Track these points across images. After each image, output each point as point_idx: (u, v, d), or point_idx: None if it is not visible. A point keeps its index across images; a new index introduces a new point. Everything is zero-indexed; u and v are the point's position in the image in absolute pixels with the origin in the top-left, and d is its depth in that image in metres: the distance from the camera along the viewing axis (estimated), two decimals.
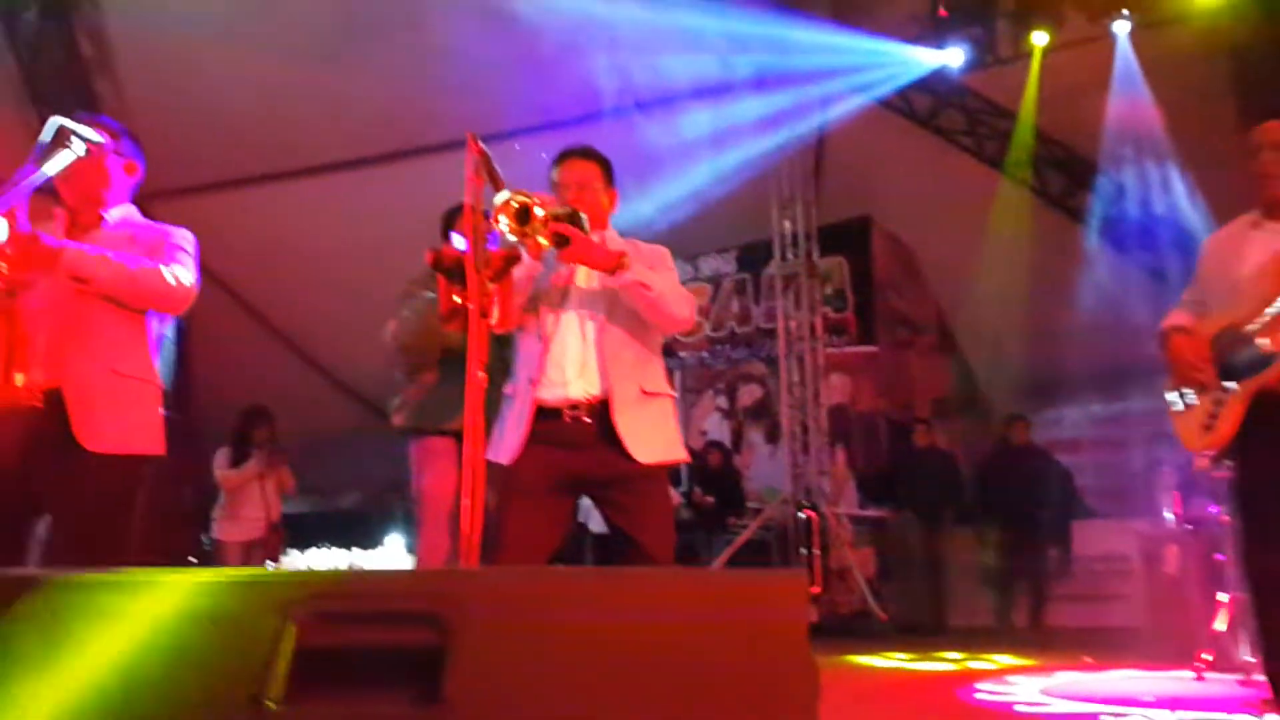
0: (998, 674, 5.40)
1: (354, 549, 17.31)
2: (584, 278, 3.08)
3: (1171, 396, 3.29)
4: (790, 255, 9.62)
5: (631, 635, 1.29)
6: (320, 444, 11.40)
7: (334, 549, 17.27)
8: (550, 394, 2.96)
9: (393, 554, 17.35)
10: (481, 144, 2.75)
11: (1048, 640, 7.34)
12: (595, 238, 3.12)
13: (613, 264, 2.90)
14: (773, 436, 10.46)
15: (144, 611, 1.34)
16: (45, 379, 2.82)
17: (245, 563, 7.16)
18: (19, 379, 2.83)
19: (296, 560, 17.21)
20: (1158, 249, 9.13)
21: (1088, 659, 5.75)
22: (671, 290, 2.99)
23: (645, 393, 3.01)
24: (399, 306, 3.96)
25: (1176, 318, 3.37)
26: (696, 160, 9.18)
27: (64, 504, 2.80)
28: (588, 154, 3.20)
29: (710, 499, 9.08)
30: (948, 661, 6.13)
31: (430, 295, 3.72)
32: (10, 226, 2.72)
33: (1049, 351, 10.01)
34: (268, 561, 7.45)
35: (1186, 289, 3.49)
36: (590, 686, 1.27)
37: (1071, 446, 10.08)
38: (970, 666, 5.86)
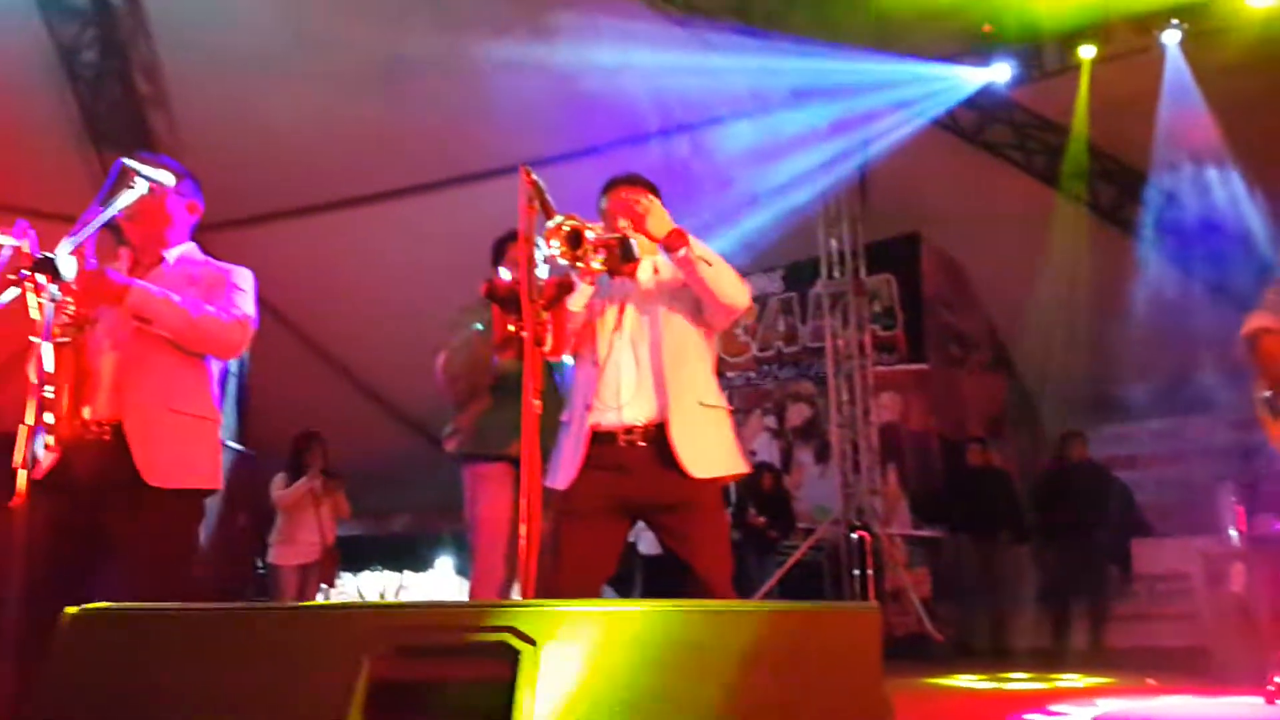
0: (1060, 696, 5.31)
1: (405, 571, 17.44)
2: (638, 300, 3.09)
3: (1264, 398, 3.22)
4: (837, 273, 9.59)
5: (704, 670, 1.29)
6: (371, 468, 11.49)
7: (385, 571, 17.41)
8: (605, 419, 2.96)
9: (443, 577, 17.48)
10: (534, 174, 2.79)
11: (1108, 661, 7.20)
12: (647, 264, 3.14)
13: (676, 235, 2.88)
14: (822, 456, 10.38)
15: (231, 643, 1.36)
16: (108, 413, 2.88)
17: (301, 586, 7.23)
18: (86, 412, 2.90)
19: (348, 583, 17.40)
20: (1214, 259, 8.98)
21: (1151, 681, 5.63)
22: (728, 271, 2.98)
23: (703, 405, 3.01)
24: (447, 335, 3.98)
25: (1261, 320, 3.29)
26: (742, 183, 9.19)
27: (126, 535, 2.85)
28: (635, 180, 3.20)
29: (762, 519, 9.03)
30: (1011, 682, 6.03)
31: (478, 326, 3.74)
32: (79, 264, 2.78)
33: (1105, 366, 9.87)
34: (322, 585, 7.52)
35: (1270, 290, 3.40)
36: (662, 718, 1.28)
37: (1129, 463, 9.91)
38: (1033, 688, 5.77)
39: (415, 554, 16.90)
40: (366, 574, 17.41)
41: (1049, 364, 10.80)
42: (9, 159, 8.80)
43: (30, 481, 2.48)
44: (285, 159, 9.28)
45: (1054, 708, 4.89)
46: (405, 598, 16.90)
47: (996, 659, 7.89)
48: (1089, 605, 8.16)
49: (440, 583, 17.58)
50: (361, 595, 16.41)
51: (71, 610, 1.58)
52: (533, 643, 1.30)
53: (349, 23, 8.53)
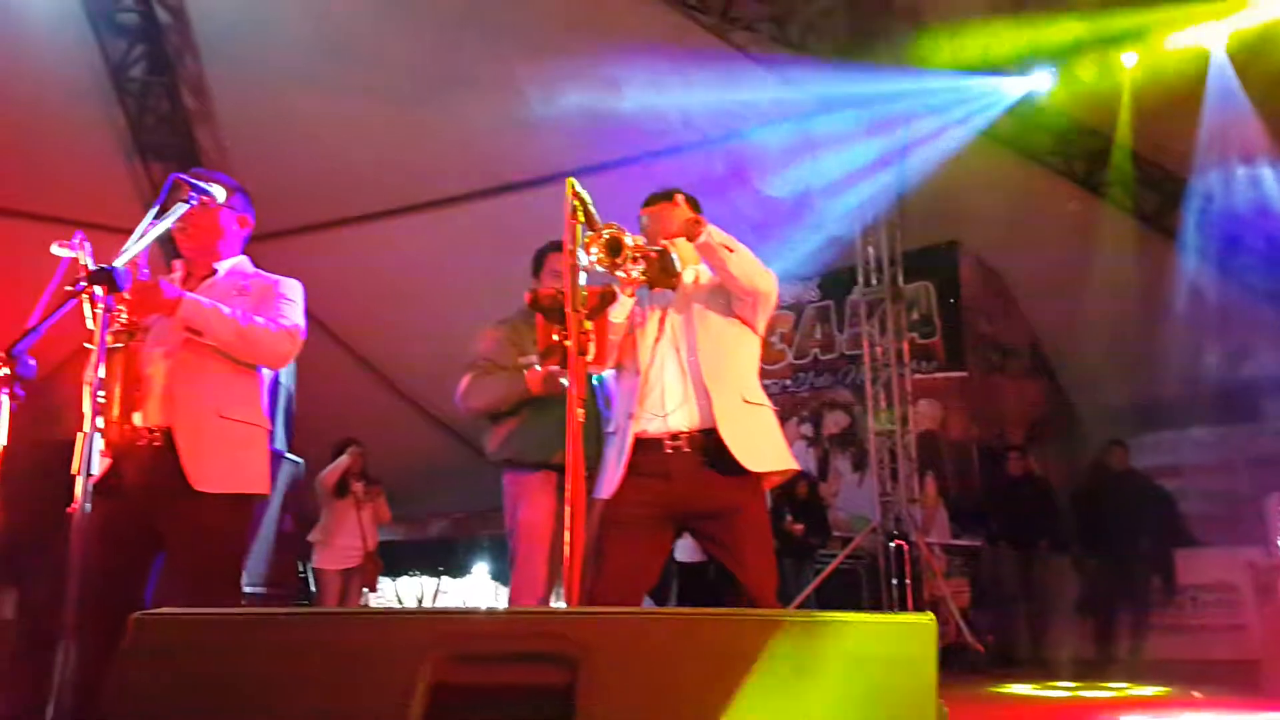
0: (1111, 706, 5.26)
1: (442, 577, 17.55)
2: (678, 307, 3.11)
3: None
4: (874, 281, 9.56)
5: (758, 679, 1.31)
6: (410, 474, 11.60)
7: (423, 576, 17.53)
8: (650, 426, 2.99)
9: (480, 582, 17.57)
10: (579, 187, 2.82)
11: (1151, 673, 7.13)
12: (689, 273, 3.17)
13: (692, 222, 2.93)
14: (859, 464, 10.35)
15: (294, 646, 1.41)
16: (159, 419, 2.95)
17: (343, 590, 7.33)
18: (137, 418, 2.97)
19: (386, 587, 17.54)
20: (1261, 266, 8.87)
21: (1196, 694, 5.56)
22: (750, 257, 3.00)
23: (747, 402, 3.03)
24: (480, 347, 3.98)
25: None
26: (778, 193, 9.19)
27: (177, 539, 2.92)
28: (674, 194, 3.22)
29: (800, 526, 9.01)
30: (1056, 690, 5.98)
31: (502, 374, 3.76)
32: (133, 275, 2.86)
33: (1148, 373, 9.77)
34: (364, 590, 7.62)
35: None
36: None
37: (1173, 472, 9.80)
38: (1081, 696, 5.71)
39: (453, 559, 17.01)
40: (404, 578, 17.55)
41: (1091, 371, 10.71)
42: (60, 171, 9.00)
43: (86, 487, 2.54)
44: (328, 171, 9.41)
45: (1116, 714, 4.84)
46: (443, 603, 17.03)
47: (1037, 669, 7.83)
48: (1131, 615, 8.08)
49: (477, 588, 17.70)
50: (399, 600, 16.55)
51: (137, 615, 1.63)
52: (590, 650, 1.33)
53: (392, 37, 8.65)
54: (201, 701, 1.47)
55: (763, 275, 3.04)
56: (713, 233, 2.92)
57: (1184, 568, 8.24)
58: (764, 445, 2.99)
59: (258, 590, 5.86)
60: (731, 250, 2.93)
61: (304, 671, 1.44)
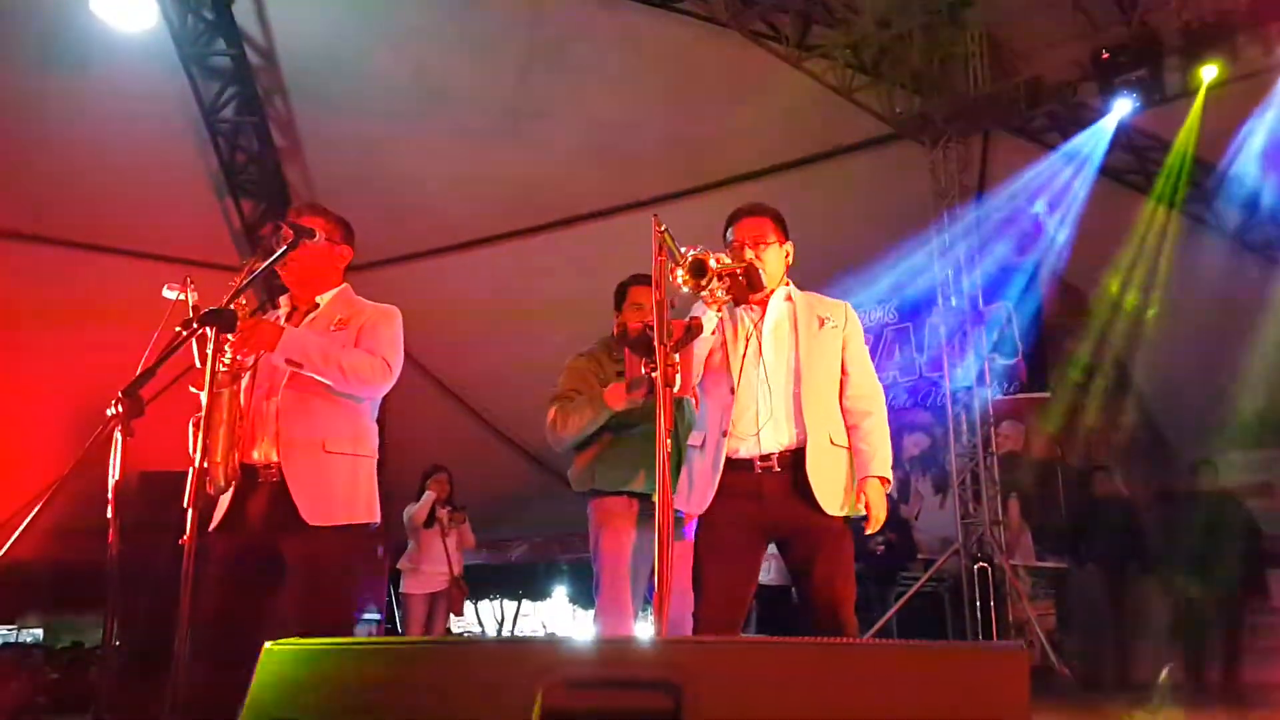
0: None
1: (522, 600, 17.73)
2: (773, 327, 3.16)
3: None
4: (954, 302, 9.51)
5: (854, 708, 1.37)
6: (491, 499, 11.77)
7: (505, 600, 17.72)
8: (741, 446, 3.04)
9: (559, 606, 17.70)
10: (663, 225, 2.90)
11: (1246, 698, 6.95)
12: (781, 291, 3.20)
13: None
14: (941, 486, 10.26)
15: (415, 675, 1.51)
16: (269, 455, 3.07)
17: (430, 615, 7.45)
18: (255, 454, 3.09)
19: (468, 611, 17.76)
20: None
21: None
22: (882, 430, 3.15)
23: (834, 444, 3.07)
24: (562, 384, 4.06)
25: None
26: (855, 215, 9.21)
27: (295, 571, 3.02)
28: (759, 210, 3.26)
29: (882, 547, 8.96)
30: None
31: (590, 416, 3.83)
32: (240, 314, 3.00)
33: (1235, 391, 9.55)
34: (451, 615, 7.75)
35: None
36: None
37: (1264, 490, 9.56)
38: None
39: (533, 583, 17.17)
40: (485, 602, 17.76)
41: (1176, 390, 10.50)
42: (156, 210, 9.38)
43: (206, 523, 2.68)
44: (412, 204, 9.67)
45: None
46: (523, 626, 17.19)
47: (1124, 693, 7.68)
48: (1223, 638, 7.89)
49: (556, 611, 17.84)
50: (480, 623, 16.74)
51: (268, 644, 1.75)
52: (694, 677, 1.41)
53: (472, 73, 8.88)
54: None
55: (886, 432, 3.18)
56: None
57: (1276, 589, 8.03)
58: (840, 489, 3.04)
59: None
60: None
61: (425, 700, 1.53)
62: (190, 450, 3.09)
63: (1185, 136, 8.80)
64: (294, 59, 9.16)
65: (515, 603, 17.86)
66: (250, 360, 3.11)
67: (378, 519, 3.20)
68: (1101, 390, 10.83)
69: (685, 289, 2.89)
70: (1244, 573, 7.91)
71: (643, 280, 3.85)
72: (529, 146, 9.18)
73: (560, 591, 17.70)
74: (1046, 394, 10.08)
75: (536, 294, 10.17)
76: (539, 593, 17.75)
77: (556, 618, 17.89)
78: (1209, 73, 8.16)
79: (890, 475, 3.06)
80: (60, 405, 7.84)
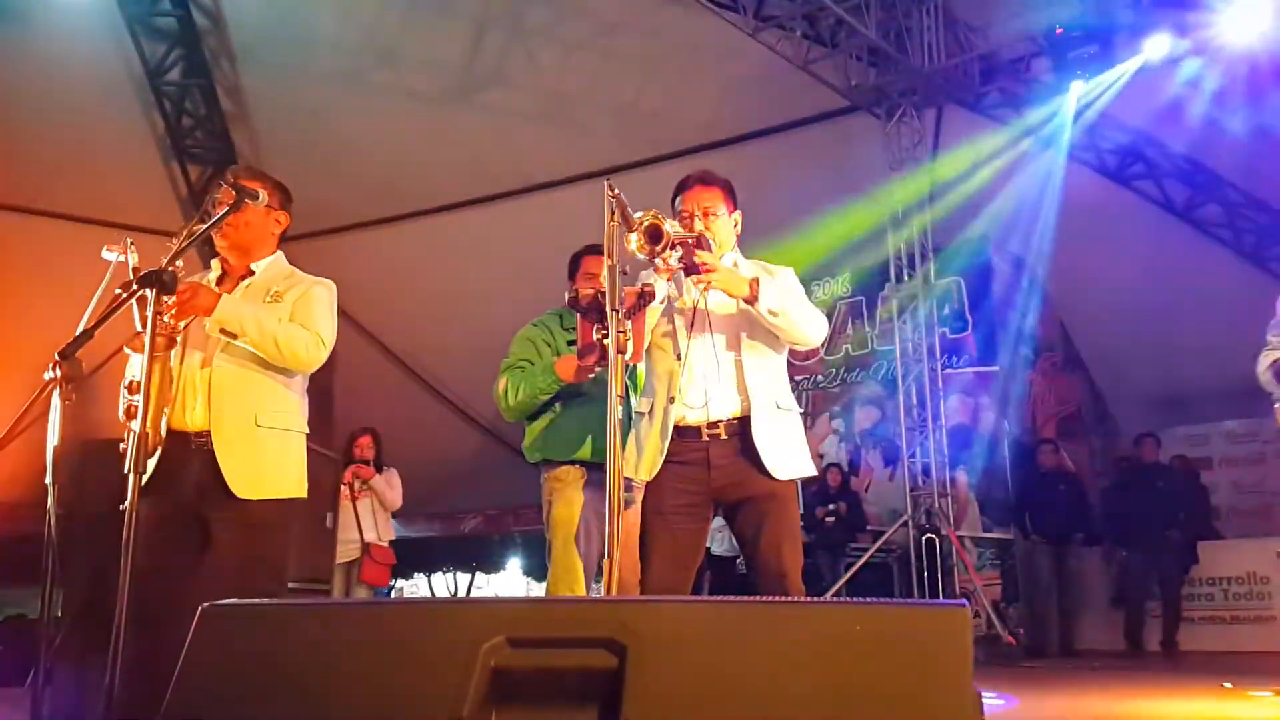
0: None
1: (476, 572, 17.71)
2: (719, 297, 3.11)
3: None
4: (906, 277, 9.56)
5: (799, 665, 1.37)
6: (444, 472, 11.72)
7: (457, 573, 17.69)
8: (688, 413, 3.03)
9: (513, 577, 17.70)
10: (615, 189, 2.87)
11: (1182, 665, 7.12)
12: (729, 260, 3.19)
13: (747, 294, 2.94)
14: (891, 459, 10.36)
15: (357, 635, 1.49)
16: (199, 423, 3.00)
17: (346, 586, 6.92)
18: (185, 420, 3.03)
19: (420, 584, 17.68)
20: None
21: (1227, 684, 5.56)
22: (801, 315, 3.03)
23: (779, 408, 3.06)
24: (513, 353, 4.02)
25: None
26: (810, 188, 9.22)
27: (222, 539, 2.98)
28: (709, 179, 3.22)
29: (832, 518, 9.04)
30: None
31: (540, 386, 3.80)
32: (179, 278, 2.91)
33: (1179, 367, 9.73)
34: (364, 583, 6.88)
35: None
36: (758, 713, 1.37)
37: (1204, 464, 9.77)
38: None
39: (486, 555, 17.14)
40: (438, 575, 17.72)
41: (1121, 365, 10.67)
42: (100, 174, 9.18)
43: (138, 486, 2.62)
44: (362, 172, 9.54)
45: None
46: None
47: (1068, 660, 7.84)
48: (1163, 607, 8.07)
49: (510, 583, 17.84)
50: (433, 595, 16.67)
51: (205, 606, 1.72)
52: (638, 636, 1.40)
53: (425, 39, 8.74)
54: (268, 689, 1.55)
55: (813, 326, 3.07)
56: (761, 300, 2.93)
57: (1216, 559, 8.23)
58: (790, 453, 3.03)
59: (296, 587, 5.79)
60: (776, 315, 2.96)
61: (369, 658, 1.52)
62: (120, 415, 3.03)
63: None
64: (242, 20, 8.97)
65: (469, 575, 17.83)
66: (182, 325, 3.03)
67: (304, 495, 3.14)
68: (1050, 366, 11.00)
69: (640, 254, 2.86)
70: (1184, 542, 8.11)
71: (596, 250, 3.80)
72: (482, 113, 9.08)
73: (514, 564, 17.70)
74: (995, 368, 10.20)
75: (489, 264, 10.08)
76: (493, 565, 17.74)
77: (511, 589, 17.88)
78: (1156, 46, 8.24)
79: (768, 308, 2.93)
80: (1, 373, 7.66)
